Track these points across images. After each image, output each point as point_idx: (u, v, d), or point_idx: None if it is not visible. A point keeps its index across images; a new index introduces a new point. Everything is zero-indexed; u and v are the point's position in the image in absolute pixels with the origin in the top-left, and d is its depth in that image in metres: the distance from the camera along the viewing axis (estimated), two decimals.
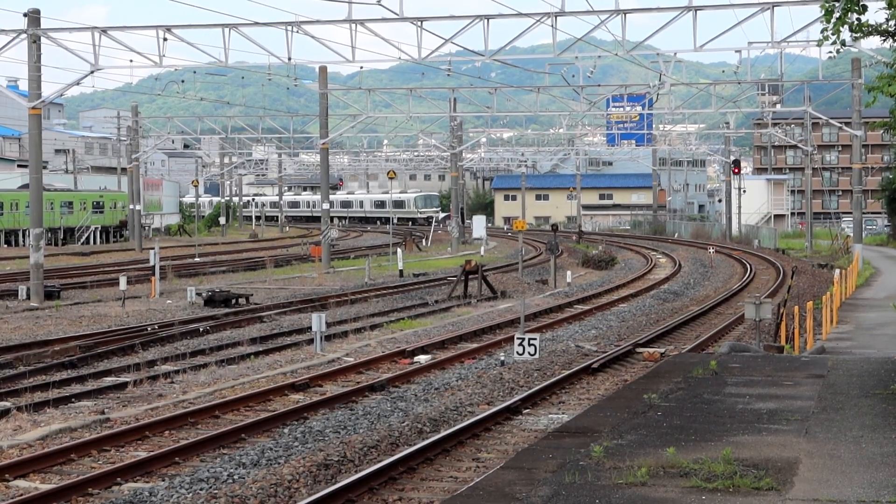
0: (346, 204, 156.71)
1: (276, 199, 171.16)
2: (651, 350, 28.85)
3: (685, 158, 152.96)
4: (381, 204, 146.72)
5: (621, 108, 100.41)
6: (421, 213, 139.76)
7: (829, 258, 69.76)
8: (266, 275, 56.34)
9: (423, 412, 20.77)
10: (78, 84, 48.66)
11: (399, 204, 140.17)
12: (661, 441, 14.84)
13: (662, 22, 43.65)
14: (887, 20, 18.75)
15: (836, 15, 15.86)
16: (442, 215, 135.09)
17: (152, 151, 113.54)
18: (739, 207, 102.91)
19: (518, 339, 27.70)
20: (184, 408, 21.49)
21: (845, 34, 16.26)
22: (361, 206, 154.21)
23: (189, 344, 30.83)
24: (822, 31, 16.32)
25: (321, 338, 29.27)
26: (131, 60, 49.48)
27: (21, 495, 15.25)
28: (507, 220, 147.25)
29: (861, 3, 15.79)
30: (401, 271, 56.38)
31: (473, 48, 47.01)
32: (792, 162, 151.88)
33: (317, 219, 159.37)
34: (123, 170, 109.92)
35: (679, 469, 13.23)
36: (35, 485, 16.28)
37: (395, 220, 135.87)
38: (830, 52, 17.45)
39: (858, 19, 16.08)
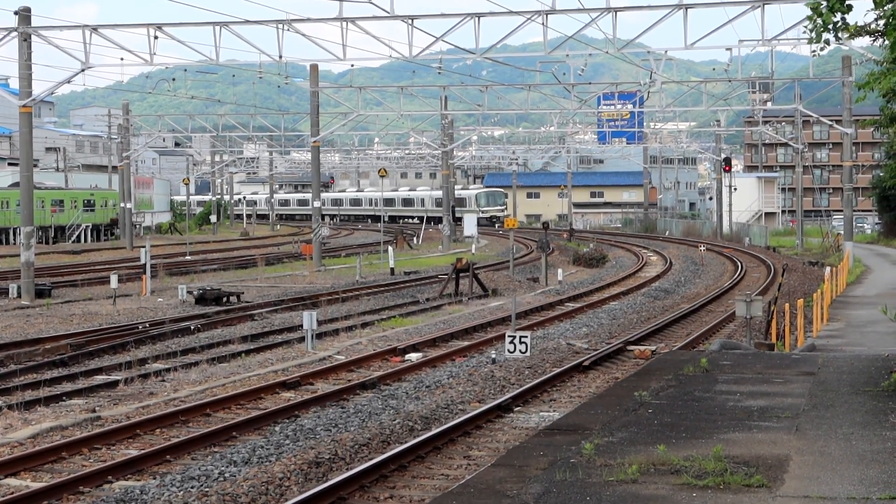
0: (408, 202, 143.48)
1: (300, 196, 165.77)
2: (642, 348, 28.88)
3: (676, 156, 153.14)
4: (440, 202, 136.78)
5: (612, 106, 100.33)
6: (483, 212, 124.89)
7: (819, 256, 69.86)
8: (257, 273, 56.33)
9: (414, 410, 20.78)
10: (69, 82, 48.65)
11: (460, 202, 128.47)
12: (651, 438, 14.86)
13: (653, 20, 43.74)
14: (876, 20, 18.80)
15: (822, 10, 15.90)
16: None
17: (143, 150, 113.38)
18: (730, 205, 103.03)
19: (509, 336, 27.71)
20: (175, 406, 21.48)
21: (829, 34, 16.30)
22: (423, 203, 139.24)
23: (180, 342, 30.83)
24: (810, 30, 16.37)
25: (312, 336, 29.28)
26: (122, 59, 49.48)
27: (12, 493, 15.25)
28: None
29: (846, 3, 15.83)
30: (392, 269, 56.38)
31: (464, 46, 46.98)
32: (783, 160, 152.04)
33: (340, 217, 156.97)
34: (114, 168, 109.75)
35: (670, 466, 13.24)
36: (26, 483, 16.27)
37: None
38: (814, 50, 17.53)
39: (843, 18, 16.11)
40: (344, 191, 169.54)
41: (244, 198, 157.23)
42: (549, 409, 21.33)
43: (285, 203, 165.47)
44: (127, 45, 46.62)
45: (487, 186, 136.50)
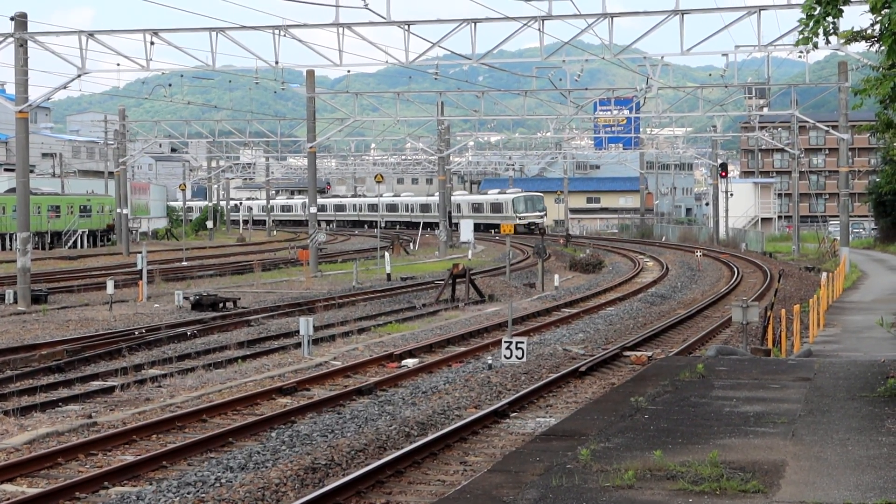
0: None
1: (338, 201, 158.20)
2: (638, 353, 28.88)
3: (672, 162, 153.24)
4: (478, 207, 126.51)
5: (609, 112, 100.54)
6: (521, 217, 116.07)
7: (816, 261, 69.89)
8: (254, 279, 56.31)
9: (410, 416, 20.78)
10: (65, 88, 48.72)
11: (496, 208, 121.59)
12: (648, 444, 14.87)
13: (649, 25, 43.70)
14: (872, 25, 18.81)
15: (815, 14, 15.91)
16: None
17: (139, 155, 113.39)
18: (727, 211, 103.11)
19: (505, 342, 27.70)
20: (171, 412, 21.47)
21: (820, 39, 16.31)
22: (459, 209, 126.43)
23: (176, 348, 30.80)
24: (799, 32, 16.39)
25: (309, 342, 29.25)
26: (118, 64, 49.61)
27: (8, 499, 15.23)
28: None
29: (838, 7, 15.85)
30: (388, 275, 56.36)
31: (461, 52, 47.08)
32: (779, 165, 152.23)
33: (355, 223, 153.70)
34: (111, 173, 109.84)
35: (666, 472, 13.26)
36: (22, 489, 16.25)
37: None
38: (801, 52, 17.64)
39: (834, 23, 16.13)
40: (381, 195, 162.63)
41: (240, 203, 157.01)
42: (546, 415, 21.33)
43: (321, 208, 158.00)
44: (123, 51, 46.76)
45: (526, 191, 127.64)
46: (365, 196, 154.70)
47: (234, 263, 69.27)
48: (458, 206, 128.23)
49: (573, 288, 52.51)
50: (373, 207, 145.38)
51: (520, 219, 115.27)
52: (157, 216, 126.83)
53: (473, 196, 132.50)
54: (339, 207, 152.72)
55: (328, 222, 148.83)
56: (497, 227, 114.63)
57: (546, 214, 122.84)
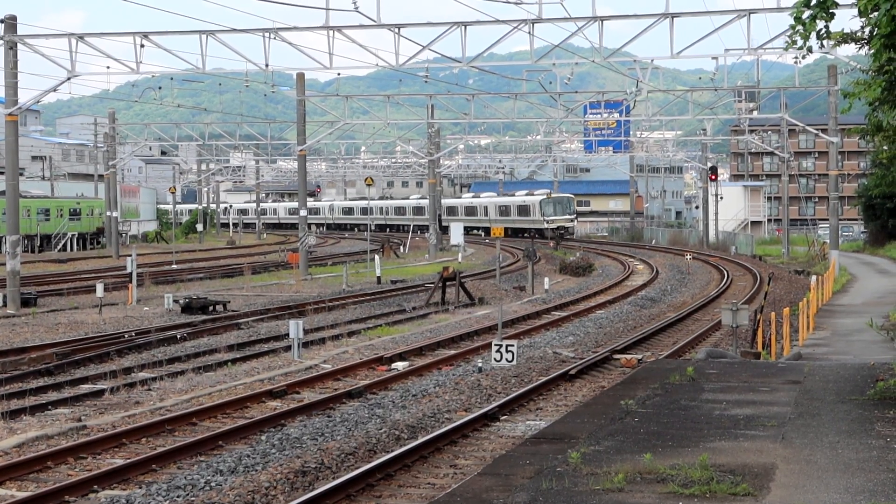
0: (470, 210, 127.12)
1: (350, 204, 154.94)
2: (628, 356, 28.90)
3: (662, 165, 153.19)
4: (504, 210, 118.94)
5: (598, 115, 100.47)
6: (549, 221, 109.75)
7: (805, 264, 69.95)
8: (244, 282, 56.25)
9: (400, 419, 20.76)
10: (55, 91, 48.62)
11: (523, 210, 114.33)
12: (638, 447, 14.87)
13: (639, 29, 43.79)
14: (862, 28, 18.85)
15: (806, 16, 15.93)
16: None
17: (129, 158, 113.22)
18: (716, 214, 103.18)
19: (496, 345, 27.70)
20: (161, 415, 21.43)
21: (813, 41, 16.34)
22: (486, 212, 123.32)
23: (166, 351, 30.77)
24: (789, 36, 16.41)
25: (298, 345, 29.23)
26: (108, 67, 49.50)
27: None
28: None
29: (829, 11, 15.88)
30: (378, 278, 56.33)
31: (451, 55, 47.06)
32: (769, 168, 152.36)
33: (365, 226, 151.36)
34: (100, 177, 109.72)
35: (656, 475, 13.26)
36: (11, 492, 16.21)
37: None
38: (796, 57, 17.58)
39: (826, 26, 16.15)
40: (408, 197, 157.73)
41: (228, 206, 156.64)
42: (536, 418, 21.33)
43: (349, 211, 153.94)
44: (113, 54, 46.57)
45: (553, 192, 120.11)
46: (392, 199, 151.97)
47: (223, 266, 69.19)
48: (486, 208, 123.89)
49: (563, 291, 52.53)
50: (400, 210, 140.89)
51: (548, 222, 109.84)
52: (147, 219, 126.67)
53: (500, 199, 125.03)
54: (365, 210, 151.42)
55: (318, 225, 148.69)
56: (526, 231, 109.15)
57: (577, 218, 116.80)
